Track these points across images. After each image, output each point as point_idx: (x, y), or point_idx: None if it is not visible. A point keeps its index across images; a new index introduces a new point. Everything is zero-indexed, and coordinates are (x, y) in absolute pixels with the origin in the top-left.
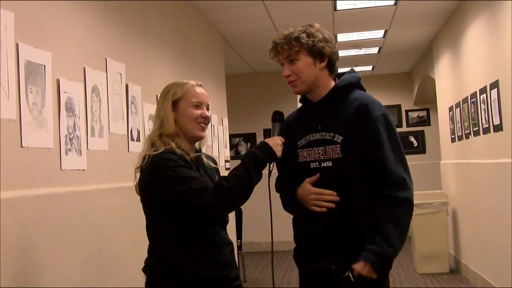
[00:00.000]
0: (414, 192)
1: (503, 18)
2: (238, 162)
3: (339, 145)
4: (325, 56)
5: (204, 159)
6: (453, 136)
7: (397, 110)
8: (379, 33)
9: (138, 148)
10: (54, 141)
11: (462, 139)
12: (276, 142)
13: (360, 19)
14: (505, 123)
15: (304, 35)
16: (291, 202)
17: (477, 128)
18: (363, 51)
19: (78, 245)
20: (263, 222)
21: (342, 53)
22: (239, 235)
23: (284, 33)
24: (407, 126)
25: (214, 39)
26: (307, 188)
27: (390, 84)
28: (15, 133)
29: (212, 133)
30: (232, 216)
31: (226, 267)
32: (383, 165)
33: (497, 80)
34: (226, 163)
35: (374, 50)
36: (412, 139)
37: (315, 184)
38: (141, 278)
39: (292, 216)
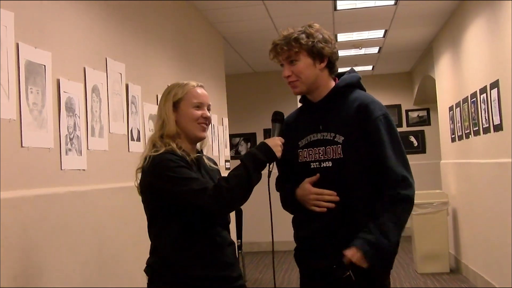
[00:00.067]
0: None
1: (503, 18)
2: (238, 162)
3: (340, 146)
4: (324, 56)
5: (206, 160)
6: (453, 135)
7: (397, 110)
8: (379, 33)
9: (138, 148)
10: (54, 141)
11: (462, 138)
12: (276, 143)
13: (360, 19)
14: (505, 122)
15: (303, 35)
16: (290, 202)
17: (477, 128)
18: (363, 51)
19: (79, 245)
20: (263, 222)
21: (342, 53)
22: (239, 235)
23: (284, 34)
24: (407, 126)
25: (214, 39)
26: (306, 188)
27: (390, 84)
28: (15, 133)
29: (212, 133)
30: (232, 216)
31: (227, 267)
32: (385, 165)
33: (497, 80)
34: (226, 163)
35: (374, 50)
36: (412, 139)
37: (315, 184)
38: (142, 278)
39: (292, 216)
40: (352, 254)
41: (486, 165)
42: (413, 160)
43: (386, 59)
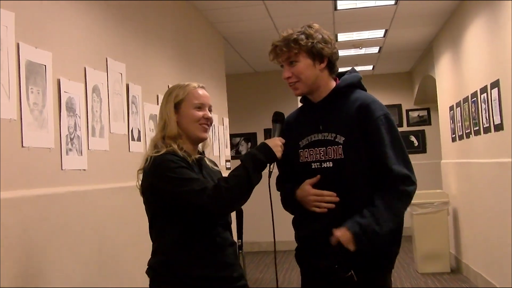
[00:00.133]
0: (415, 192)
1: (504, 17)
2: (238, 162)
3: (341, 146)
4: (324, 57)
5: (207, 162)
6: (454, 135)
7: (397, 110)
8: (379, 33)
9: (138, 148)
10: (55, 141)
11: (463, 138)
12: (276, 143)
13: (361, 18)
14: (506, 122)
15: (303, 36)
16: (290, 202)
17: (477, 128)
18: (363, 51)
19: (79, 245)
20: (264, 222)
21: (342, 52)
22: (240, 235)
23: (283, 35)
24: (408, 125)
25: (215, 39)
26: (306, 189)
27: (391, 83)
28: (16, 133)
29: (213, 133)
30: (233, 216)
31: (228, 268)
32: (386, 164)
33: (498, 80)
34: (227, 163)
35: (375, 49)
36: (412, 138)
37: (315, 185)
38: (142, 278)
39: (292, 216)
40: (341, 234)
41: (486, 164)
42: (414, 160)
43: (386, 59)
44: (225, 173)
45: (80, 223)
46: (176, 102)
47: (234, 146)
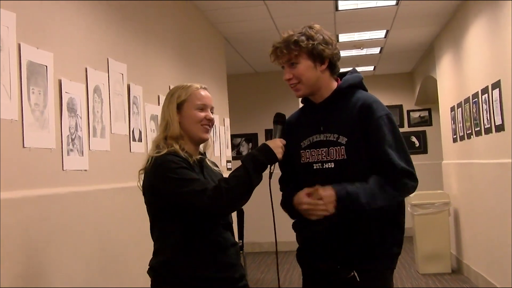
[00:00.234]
0: (416, 192)
1: (505, 18)
2: (239, 162)
3: (343, 147)
4: (325, 58)
5: (208, 162)
6: (455, 136)
7: (398, 110)
8: (380, 33)
9: (140, 148)
10: (56, 142)
11: (464, 139)
12: (277, 144)
13: (362, 19)
14: (507, 123)
15: (303, 38)
16: (289, 207)
17: (478, 128)
18: (364, 51)
19: (80, 245)
20: (265, 222)
21: (343, 53)
22: (241, 236)
23: (284, 36)
24: (409, 126)
25: (216, 40)
26: (301, 197)
27: (392, 84)
28: (17, 133)
29: (214, 134)
30: (234, 216)
31: (230, 268)
32: (389, 162)
33: (499, 80)
34: (228, 164)
35: (376, 50)
36: (414, 139)
37: (320, 185)
38: (144, 278)
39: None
40: (326, 194)
41: (487, 165)
42: (415, 160)
43: (387, 59)
44: (226, 174)
45: (81, 224)
46: (179, 102)
47: (235, 147)
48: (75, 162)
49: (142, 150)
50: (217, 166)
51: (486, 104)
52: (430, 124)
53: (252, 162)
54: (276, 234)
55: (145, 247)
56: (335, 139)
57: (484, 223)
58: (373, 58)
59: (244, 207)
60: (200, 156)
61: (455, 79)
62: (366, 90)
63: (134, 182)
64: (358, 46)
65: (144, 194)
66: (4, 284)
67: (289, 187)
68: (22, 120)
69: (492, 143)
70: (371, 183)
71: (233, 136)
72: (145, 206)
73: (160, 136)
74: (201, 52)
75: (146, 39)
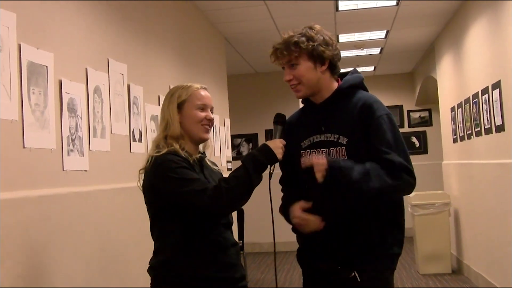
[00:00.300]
0: (416, 193)
1: (505, 18)
2: (239, 163)
3: (344, 147)
4: (325, 59)
5: (208, 162)
6: (455, 136)
7: (399, 111)
8: (381, 34)
9: (140, 148)
10: (56, 142)
11: (464, 139)
12: (277, 145)
13: (362, 19)
14: (507, 123)
15: (303, 39)
16: (286, 215)
17: (479, 129)
18: (365, 52)
19: (81, 245)
20: (265, 222)
21: (344, 53)
22: (241, 236)
23: (284, 37)
24: (409, 126)
25: (216, 40)
26: (295, 210)
27: (392, 84)
28: (17, 133)
29: (214, 134)
30: (234, 217)
31: (230, 268)
32: (386, 159)
33: (499, 81)
34: (228, 164)
35: (376, 50)
36: (414, 139)
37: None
38: (144, 278)
39: None
40: (317, 161)
41: (487, 165)
42: (415, 161)
43: (387, 59)
44: (226, 174)
45: (81, 224)
46: (179, 102)
47: (235, 147)
48: (75, 162)
49: (142, 151)
50: (216, 166)
51: (486, 105)
52: (431, 125)
53: (252, 162)
54: (274, 234)
55: (145, 247)
56: (335, 140)
57: (485, 223)
58: (374, 58)
59: (244, 208)
60: (200, 155)
61: (455, 79)
62: (367, 91)
63: (134, 183)
64: (358, 47)
65: (144, 193)
66: (4, 284)
67: (288, 191)
68: (23, 121)
69: (492, 144)
70: (367, 165)
71: (233, 137)
72: (145, 206)
73: (160, 136)
74: (201, 52)
75: (146, 39)
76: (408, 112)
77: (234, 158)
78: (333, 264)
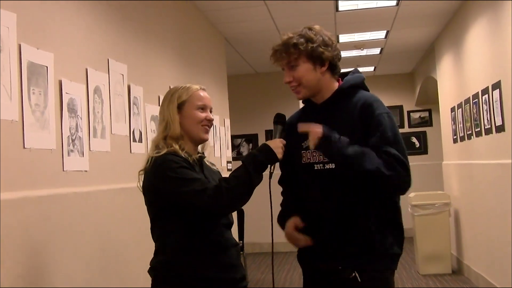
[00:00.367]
0: (417, 193)
1: (505, 18)
2: (240, 163)
3: None
4: (325, 60)
5: (207, 162)
6: (455, 136)
7: (399, 111)
8: (381, 34)
9: (140, 149)
10: (57, 142)
11: (464, 139)
12: (277, 145)
13: (362, 19)
14: (507, 123)
15: (302, 40)
16: (283, 226)
17: (479, 129)
18: (365, 52)
19: (81, 246)
20: (265, 223)
21: (344, 53)
22: (241, 236)
23: (283, 38)
24: (409, 127)
25: (216, 40)
26: (288, 226)
27: (392, 84)
28: (18, 134)
29: (214, 134)
30: (234, 217)
31: (231, 269)
32: (385, 151)
33: (499, 81)
34: (228, 164)
35: (376, 50)
36: (414, 140)
37: (321, 188)
38: (145, 279)
39: None
40: (314, 129)
41: (488, 166)
42: (415, 161)
43: (387, 60)
44: (226, 174)
45: (81, 224)
46: (179, 103)
47: (235, 147)
48: (76, 162)
49: (143, 151)
50: (214, 165)
51: (486, 105)
52: (431, 125)
53: (253, 162)
54: (273, 234)
55: (145, 248)
56: None
57: (485, 223)
58: (374, 58)
59: (244, 208)
60: (199, 155)
61: (455, 80)
62: (368, 90)
63: (135, 183)
64: (358, 47)
65: (144, 194)
66: (5, 284)
67: (287, 196)
68: (23, 121)
69: (493, 144)
70: (366, 149)
71: (233, 137)
72: (145, 207)
73: (159, 136)
74: (202, 52)
75: (146, 39)
76: (408, 112)
77: (234, 159)
78: (333, 264)
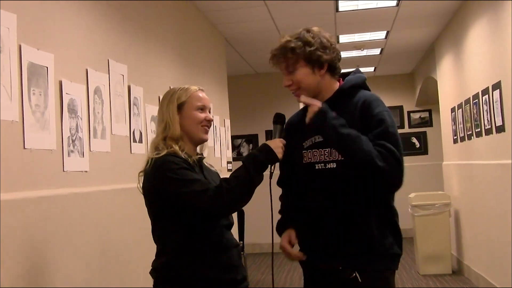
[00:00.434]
0: (417, 193)
1: (506, 18)
2: (240, 163)
3: None
4: (323, 63)
5: (206, 164)
6: (455, 137)
7: (399, 111)
8: (381, 34)
9: (140, 149)
10: (57, 143)
11: (464, 140)
12: (277, 144)
13: (362, 20)
14: (507, 124)
15: (300, 43)
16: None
17: (479, 129)
18: (365, 52)
19: (81, 246)
20: (265, 223)
21: (344, 54)
22: (241, 237)
23: (281, 42)
24: (409, 127)
25: (216, 40)
26: (283, 239)
27: (392, 85)
28: (18, 134)
29: (214, 134)
30: (234, 217)
31: (232, 270)
32: (380, 144)
33: (499, 81)
34: (228, 165)
35: (376, 51)
36: (414, 140)
37: (322, 187)
38: (145, 279)
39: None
40: (315, 103)
41: (488, 166)
42: (415, 161)
43: (388, 60)
44: (226, 175)
45: (82, 225)
46: (179, 103)
47: (235, 148)
48: (76, 163)
49: (143, 151)
50: (213, 166)
51: (486, 105)
52: (431, 125)
53: (253, 162)
54: (273, 235)
55: (146, 248)
56: None
57: (485, 224)
58: (374, 59)
59: (245, 208)
60: (198, 156)
61: (455, 80)
62: (369, 90)
63: (135, 183)
64: (358, 47)
65: (144, 195)
66: (5, 284)
67: (287, 200)
68: (23, 121)
69: (493, 144)
70: (363, 136)
71: (233, 137)
72: (145, 207)
73: (159, 138)
74: (202, 52)
75: (146, 39)
76: (408, 112)
77: (234, 159)
78: (333, 264)
